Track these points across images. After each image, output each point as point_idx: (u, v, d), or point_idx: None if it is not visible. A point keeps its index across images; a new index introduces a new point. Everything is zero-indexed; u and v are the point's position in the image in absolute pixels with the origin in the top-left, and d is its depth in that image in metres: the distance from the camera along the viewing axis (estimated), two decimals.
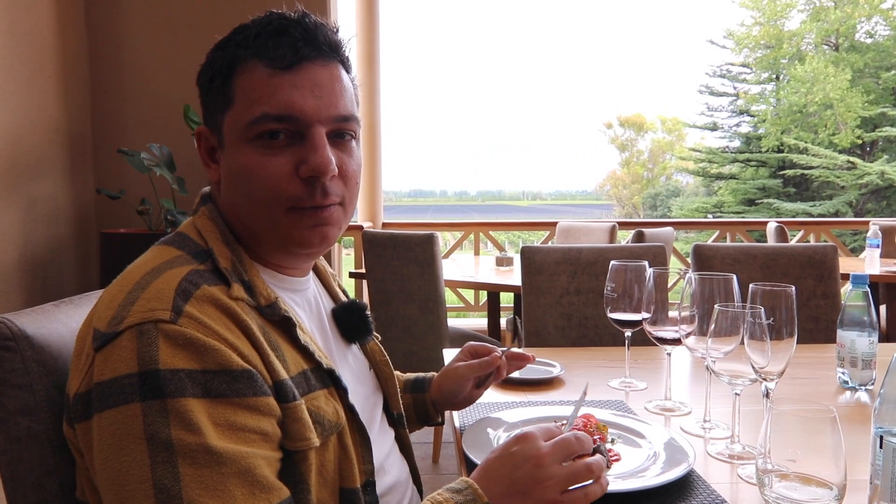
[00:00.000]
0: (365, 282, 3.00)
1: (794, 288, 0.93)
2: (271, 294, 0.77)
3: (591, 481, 0.73)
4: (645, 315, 1.23)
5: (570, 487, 0.73)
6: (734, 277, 1.07)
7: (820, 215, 18.47)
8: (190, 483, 0.62)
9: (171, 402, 0.63)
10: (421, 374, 1.16)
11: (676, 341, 1.19)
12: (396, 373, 1.16)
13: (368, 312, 0.95)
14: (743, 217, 18.43)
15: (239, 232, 0.81)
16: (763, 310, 0.93)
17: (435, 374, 1.15)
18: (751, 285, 0.96)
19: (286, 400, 0.71)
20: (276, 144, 0.76)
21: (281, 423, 0.71)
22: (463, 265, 3.83)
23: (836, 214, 18.73)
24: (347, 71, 0.82)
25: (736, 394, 1.00)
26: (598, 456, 0.91)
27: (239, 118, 0.76)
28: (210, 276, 0.73)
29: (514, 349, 1.12)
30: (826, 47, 21.54)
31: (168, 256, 0.74)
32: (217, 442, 0.63)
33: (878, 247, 3.29)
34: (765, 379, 0.94)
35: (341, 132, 0.79)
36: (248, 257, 0.80)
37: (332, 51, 0.79)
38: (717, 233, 5.33)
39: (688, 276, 1.12)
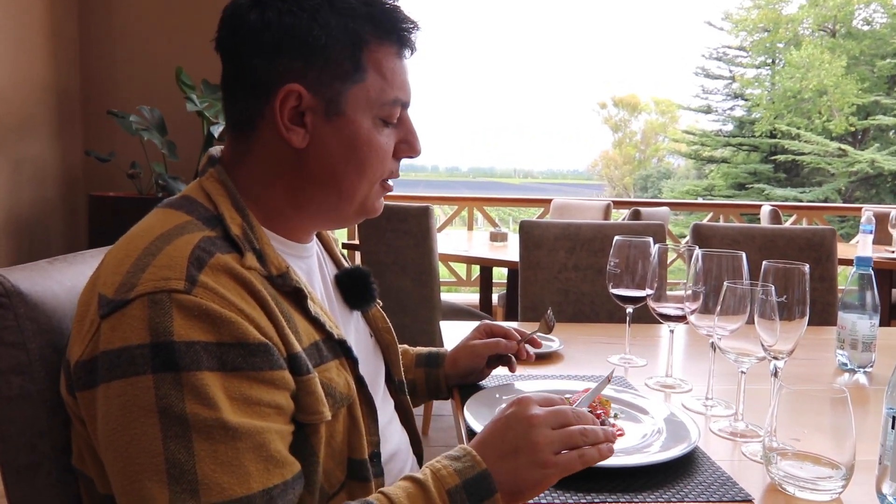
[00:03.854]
0: (358, 253, 2.98)
1: (807, 266, 0.92)
2: (282, 263, 0.75)
3: (586, 446, 0.73)
4: (648, 291, 1.22)
5: (564, 451, 0.72)
6: (743, 255, 1.06)
7: (809, 201, 18.56)
8: (204, 458, 0.60)
9: (186, 376, 0.61)
10: (434, 350, 1.15)
11: (680, 318, 1.18)
12: (405, 346, 1.15)
13: (372, 279, 0.93)
14: (733, 201, 18.49)
15: (260, 197, 0.78)
16: (774, 288, 0.92)
17: (446, 349, 1.15)
18: (764, 262, 0.94)
19: (300, 373, 0.69)
20: (390, 125, 0.81)
21: (294, 396, 0.69)
22: (456, 240, 3.81)
23: (826, 201, 18.84)
24: None
25: (742, 372, 0.99)
26: (600, 425, 0.91)
27: (372, 94, 0.77)
28: (222, 244, 0.70)
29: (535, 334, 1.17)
30: (823, 33, 21.47)
31: (177, 221, 0.71)
32: (232, 417, 0.62)
33: (871, 233, 3.29)
34: (774, 357, 0.93)
35: None
36: (258, 223, 0.77)
37: None
38: (710, 215, 5.34)
39: (695, 253, 1.10)
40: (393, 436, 0.92)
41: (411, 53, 0.82)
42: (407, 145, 0.83)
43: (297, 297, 0.75)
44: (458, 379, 1.14)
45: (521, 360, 1.14)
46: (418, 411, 2.93)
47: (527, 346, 1.14)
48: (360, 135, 0.77)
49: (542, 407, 0.74)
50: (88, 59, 3.36)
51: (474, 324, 1.20)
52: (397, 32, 0.78)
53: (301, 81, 0.74)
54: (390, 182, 0.85)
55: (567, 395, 1.04)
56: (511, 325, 1.24)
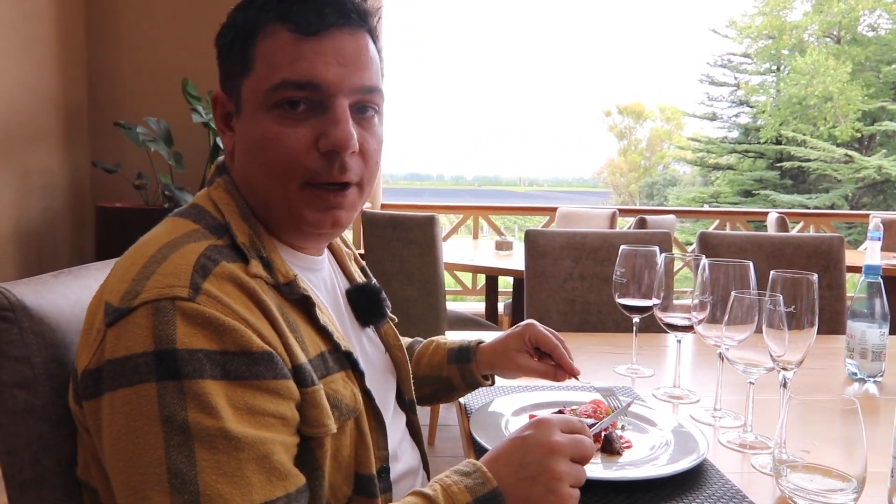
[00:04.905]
0: (363, 262, 2.98)
1: (816, 276, 0.91)
2: (290, 272, 0.74)
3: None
4: (655, 301, 1.21)
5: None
6: (751, 264, 1.05)
7: (816, 208, 18.47)
8: (206, 468, 0.59)
9: (189, 384, 0.60)
10: (464, 344, 1.07)
11: (687, 328, 1.17)
12: (438, 339, 1.11)
13: (384, 296, 0.92)
14: (739, 208, 18.42)
15: (254, 205, 0.77)
16: (782, 297, 0.91)
17: (478, 340, 1.08)
18: (772, 272, 0.94)
19: (304, 385, 0.68)
20: (296, 115, 0.72)
21: (299, 407, 0.68)
22: (461, 249, 3.81)
23: (832, 207, 18.74)
24: (375, 42, 0.79)
25: (750, 382, 0.98)
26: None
27: (259, 84, 0.73)
28: (228, 253, 0.70)
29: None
30: (828, 39, 21.45)
31: (185, 230, 0.71)
32: (235, 426, 0.61)
33: (879, 239, 3.26)
34: (784, 368, 0.92)
35: (364, 105, 0.76)
36: (266, 233, 0.77)
37: (360, 19, 0.76)
38: (716, 222, 5.32)
39: (701, 262, 1.10)
40: (404, 454, 0.90)
41: (318, 28, 0.72)
42: (325, 138, 0.72)
43: (305, 305, 0.75)
44: (494, 374, 1.07)
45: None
46: (423, 420, 2.91)
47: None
48: (257, 130, 0.73)
49: (563, 433, 0.72)
50: (95, 70, 3.39)
51: (480, 333, 1.18)
52: (281, 12, 0.73)
53: (221, 86, 0.78)
54: (340, 191, 0.74)
55: (573, 407, 1.04)
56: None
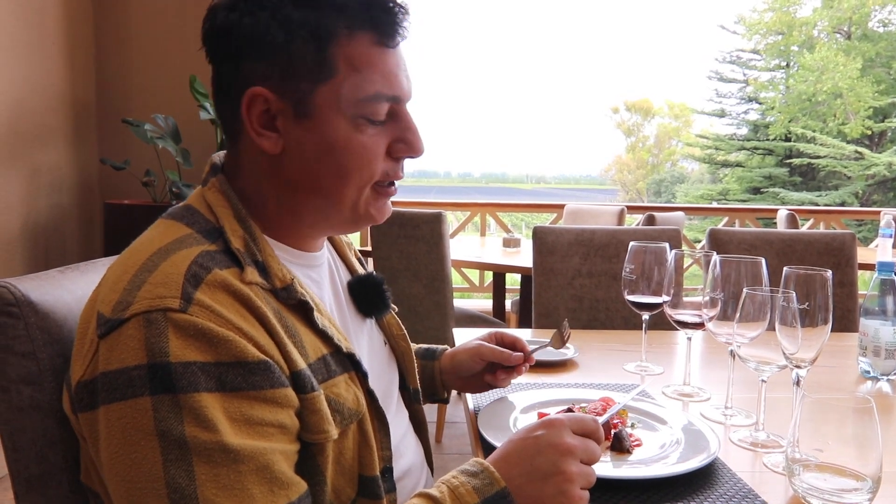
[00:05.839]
0: (370, 259, 2.98)
1: (830, 272, 0.90)
2: (287, 275, 0.72)
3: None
4: (665, 298, 1.20)
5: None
6: (763, 261, 1.04)
7: (826, 205, 18.35)
8: (206, 482, 0.58)
9: (184, 398, 0.59)
10: (434, 345, 1.12)
11: (697, 325, 1.16)
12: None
13: (386, 286, 0.91)
14: (748, 205, 18.31)
15: (260, 205, 0.76)
16: (795, 294, 0.90)
17: (448, 347, 1.11)
18: (784, 268, 0.92)
19: (304, 391, 0.67)
20: (377, 122, 0.74)
21: (298, 413, 0.67)
22: (469, 246, 3.80)
23: (842, 205, 18.62)
24: None
25: (762, 380, 0.97)
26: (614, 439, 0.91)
27: (345, 92, 0.71)
28: (221, 259, 0.68)
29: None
30: (838, 35, 21.28)
31: (177, 234, 0.69)
32: (233, 439, 0.60)
33: (891, 236, 3.24)
34: (797, 366, 0.91)
35: None
36: (261, 234, 0.75)
37: None
38: (725, 219, 5.28)
39: (713, 258, 1.08)
40: (407, 450, 0.89)
41: (400, 40, 0.74)
42: (405, 145, 0.76)
43: (304, 309, 0.73)
44: (454, 377, 1.07)
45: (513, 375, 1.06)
46: (431, 417, 2.91)
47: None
48: (336, 136, 0.72)
49: (574, 434, 0.71)
50: (103, 68, 3.40)
51: (487, 330, 1.18)
52: (371, 20, 0.71)
53: (266, 83, 0.71)
54: (394, 185, 0.79)
55: (583, 405, 1.03)
56: (525, 332, 1.21)
